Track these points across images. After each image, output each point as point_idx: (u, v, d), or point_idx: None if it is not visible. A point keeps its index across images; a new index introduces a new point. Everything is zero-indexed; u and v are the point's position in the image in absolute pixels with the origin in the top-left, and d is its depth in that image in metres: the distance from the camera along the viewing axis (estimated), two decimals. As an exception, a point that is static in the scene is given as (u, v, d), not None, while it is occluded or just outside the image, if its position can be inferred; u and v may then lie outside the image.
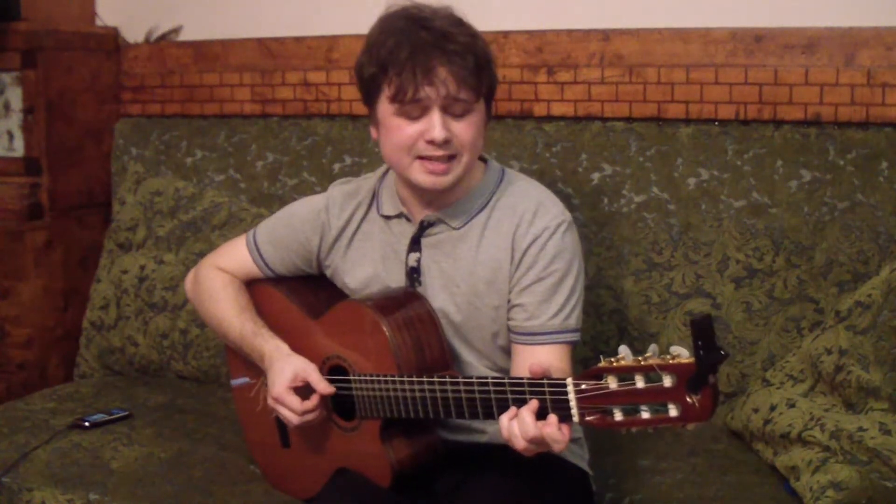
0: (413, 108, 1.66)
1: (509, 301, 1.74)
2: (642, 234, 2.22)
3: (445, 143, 1.66)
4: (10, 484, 1.99)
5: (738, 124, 2.23)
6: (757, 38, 2.22)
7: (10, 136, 2.71)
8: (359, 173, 2.35)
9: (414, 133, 1.66)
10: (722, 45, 2.24)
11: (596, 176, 2.27)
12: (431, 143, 1.65)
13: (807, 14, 2.20)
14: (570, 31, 2.36)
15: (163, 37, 2.85)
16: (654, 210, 2.22)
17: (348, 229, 1.86)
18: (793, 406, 1.89)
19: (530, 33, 2.39)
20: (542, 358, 1.66)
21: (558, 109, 2.38)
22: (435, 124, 1.65)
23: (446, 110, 1.66)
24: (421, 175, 1.69)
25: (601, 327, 2.20)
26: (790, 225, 2.12)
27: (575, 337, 1.74)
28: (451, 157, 1.68)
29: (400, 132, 1.68)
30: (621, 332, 2.20)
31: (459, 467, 1.75)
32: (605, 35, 2.33)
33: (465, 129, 1.67)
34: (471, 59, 1.65)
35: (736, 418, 2.05)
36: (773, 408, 1.92)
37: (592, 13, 2.38)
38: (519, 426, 1.50)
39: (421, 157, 1.68)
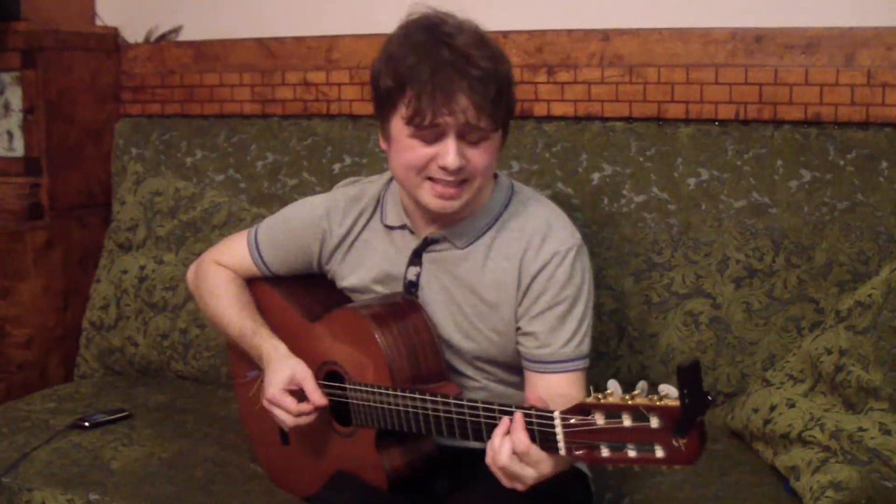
0: (429, 133, 1.61)
1: (519, 328, 1.72)
2: (642, 234, 2.22)
3: (459, 170, 1.62)
4: (10, 484, 1.98)
5: (738, 124, 2.23)
6: (757, 38, 2.22)
7: (10, 136, 2.71)
8: (359, 173, 2.35)
9: (427, 156, 1.62)
10: (722, 45, 2.24)
11: (596, 176, 2.27)
12: (444, 169, 1.62)
13: (807, 14, 2.20)
14: (570, 31, 2.36)
15: (163, 37, 2.85)
16: (654, 210, 2.22)
17: (349, 237, 1.84)
18: (793, 406, 1.89)
19: (530, 33, 2.39)
20: (555, 385, 1.65)
21: (558, 109, 2.37)
22: (450, 151, 1.60)
23: (462, 137, 1.61)
24: (429, 197, 1.65)
25: (601, 327, 2.19)
26: (790, 225, 2.12)
27: (587, 363, 1.72)
28: (462, 182, 1.64)
29: (413, 153, 1.63)
30: (621, 332, 2.20)
31: (457, 470, 1.75)
32: (605, 35, 2.33)
33: (479, 156, 1.63)
34: (492, 88, 1.60)
35: (736, 418, 2.05)
36: (773, 408, 1.92)
37: (592, 13, 2.38)
38: (511, 441, 1.45)
39: (431, 179, 1.64)
